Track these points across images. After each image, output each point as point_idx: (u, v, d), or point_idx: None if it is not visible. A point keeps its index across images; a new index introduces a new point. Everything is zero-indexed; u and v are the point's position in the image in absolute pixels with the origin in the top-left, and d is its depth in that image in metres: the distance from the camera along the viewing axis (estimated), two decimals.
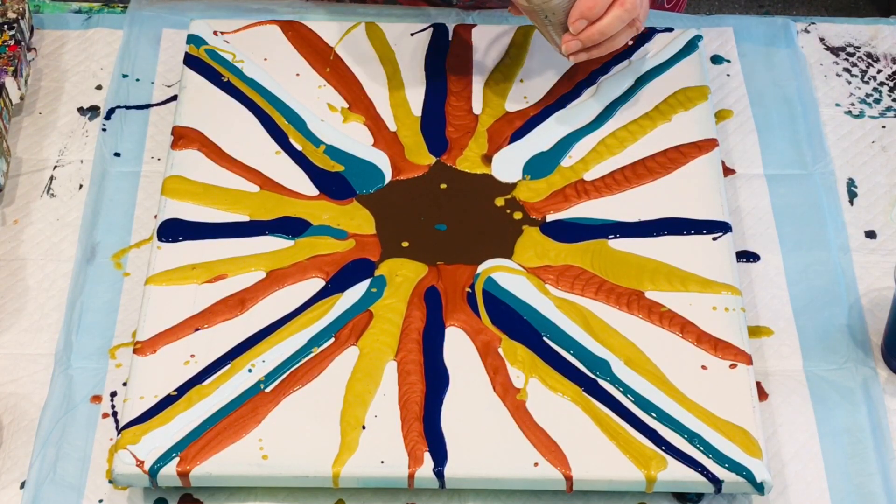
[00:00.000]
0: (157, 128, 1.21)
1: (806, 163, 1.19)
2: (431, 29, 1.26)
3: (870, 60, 1.27)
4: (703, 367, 1.03)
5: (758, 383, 1.04)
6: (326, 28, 1.26)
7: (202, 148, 1.16)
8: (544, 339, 1.04)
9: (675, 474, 0.97)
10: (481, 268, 1.09)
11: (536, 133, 1.18)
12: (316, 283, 1.08)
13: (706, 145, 1.16)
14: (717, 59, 1.27)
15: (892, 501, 0.99)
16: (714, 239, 1.10)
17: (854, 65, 1.27)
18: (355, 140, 1.17)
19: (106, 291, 1.10)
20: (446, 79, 1.22)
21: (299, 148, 1.17)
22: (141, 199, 1.16)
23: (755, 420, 0.99)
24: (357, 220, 1.12)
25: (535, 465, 0.97)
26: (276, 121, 1.18)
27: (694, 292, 1.07)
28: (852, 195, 1.18)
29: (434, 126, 1.18)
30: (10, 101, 1.19)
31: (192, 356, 1.03)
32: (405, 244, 1.10)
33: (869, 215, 1.16)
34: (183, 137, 1.16)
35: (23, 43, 1.23)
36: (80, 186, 1.17)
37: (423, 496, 1.00)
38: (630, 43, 1.24)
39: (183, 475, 0.97)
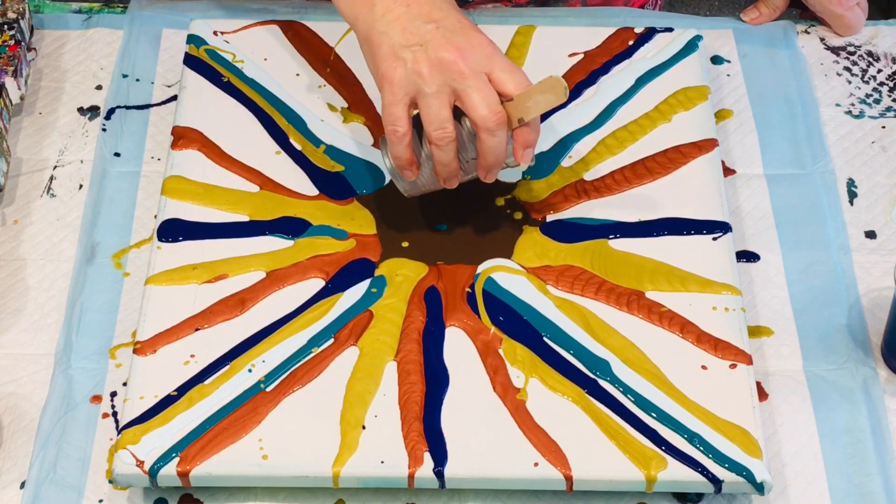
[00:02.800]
0: (157, 128, 1.21)
1: (806, 163, 1.19)
2: None
3: (870, 59, 1.27)
4: (703, 367, 1.03)
5: (758, 383, 1.04)
6: (326, 28, 1.26)
7: (202, 148, 1.16)
8: (544, 339, 1.04)
9: (675, 474, 0.97)
10: (481, 268, 1.09)
11: None
12: (316, 283, 1.08)
13: (706, 145, 1.17)
14: (717, 60, 1.27)
15: (892, 501, 0.99)
16: (714, 239, 1.10)
17: (855, 63, 1.27)
18: (355, 140, 1.17)
19: (106, 291, 1.10)
20: None
21: (299, 148, 1.17)
22: (141, 199, 1.16)
23: (755, 420, 0.99)
24: (357, 220, 1.12)
25: (535, 465, 0.97)
26: (276, 121, 1.18)
27: (694, 292, 1.07)
28: (852, 195, 1.18)
29: None
30: (10, 101, 1.19)
31: (192, 356, 1.03)
32: (405, 244, 1.10)
33: (869, 215, 1.16)
34: (183, 137, 1.16)
35: (23, 43, 1.23)
36: (80, 186, 1.17)
37: (423, 496, 1.00)
38: (630, 43, 1.24)
39: (183, 475, 0.97)
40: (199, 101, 1.19)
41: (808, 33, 1.29)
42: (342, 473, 0.97)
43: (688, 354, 1.03)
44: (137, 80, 1.24)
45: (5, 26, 1.22)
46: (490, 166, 1.04)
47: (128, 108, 1.22)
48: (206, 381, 1.01)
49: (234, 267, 1.08)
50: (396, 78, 1.02)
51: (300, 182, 1.14)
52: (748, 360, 1.03)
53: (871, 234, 1.15)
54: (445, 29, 1.02)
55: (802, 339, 1.08)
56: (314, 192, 1.14)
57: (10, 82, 1.19)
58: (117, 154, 1.19)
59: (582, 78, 1.22)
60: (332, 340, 1.04)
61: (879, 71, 1.26)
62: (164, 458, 0.97)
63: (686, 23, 1.29)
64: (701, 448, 0.98)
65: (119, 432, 0.99)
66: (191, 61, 1.22)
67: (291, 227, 1.11)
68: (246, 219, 1.12)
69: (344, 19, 1.08)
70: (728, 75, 1.26)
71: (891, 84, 1.25)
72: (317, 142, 1.17)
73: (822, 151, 1.20)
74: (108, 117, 1.21)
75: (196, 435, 0.98)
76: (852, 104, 1.24)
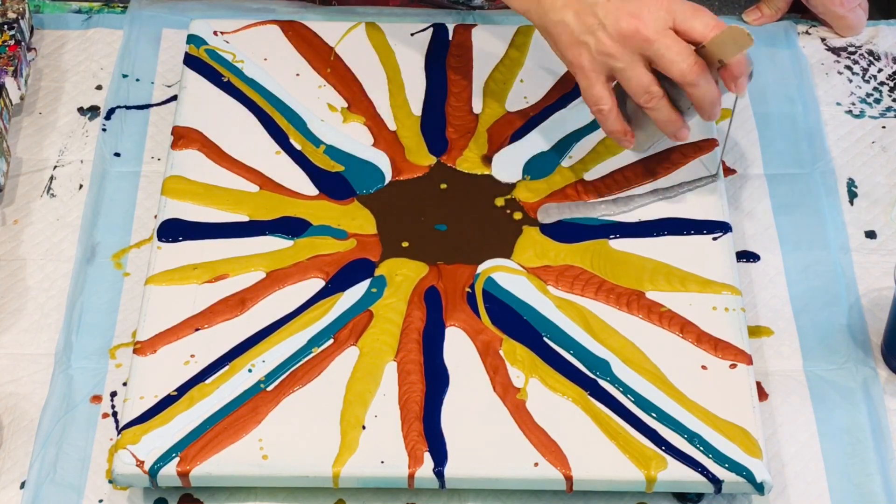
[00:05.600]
0: (157, 128, 1.21)
1: (806, 162, 1.19)
2: (431, 29, 1.26)
3: (871, 58, 1.27)
4: (703, 367, 1.03)
5: (758, 383, 1.04)
6: (326, 28, 1.26)
7: (202, 148, 1.16)
8: (544, 339, 1.04)
9: (675, 474, 0.97)
10: (481, 268, 1.09)
11: (536, 133, 1.18)
12: (316, 283, 1.08)
13: (706, 145, 1.17)
14: None
15: (892, 501, 0.99)
16: (714, 239, 1.10)
17: (855, 62, 1.27)
18: (355, 140, 1.17)
19: (106, 291, 1.10)
20: (446, 79, 1.22)
21: (299, 148, 1.17)
22: (141, 199, 1.16)
23: (755, 420, 0.99)
24: (357, 220, 1.12)
25: (535, 465, 0.97)
26: (276, 121, 1.18)
27: (694, 292, 1.07)
28: (852, 195, 1.18)
29: (434, 126, 1.18)
30: (10, 101, 1.19)
31: (192, 356, 1.03)
32: (405, 244, 1.10)
33: (869, 215, 1.16)
34: (183, 137, 1.16)
35: (23, 43, 1.23)
36: (80, 186, 1.17)
37: (423, 496, 1.00)
38: None
39: (183, 475, 0.97)
40: (199, 101, 1.19)
41: (809, 34, 1.29)
42: (342, 473, 0.97)
43: (688, 354, 1.03)
44: (137, 80, 1.24)
45: (5, 26, 1.22)
46: (708, 110, 1.04)
47: (128, 108, 1.22)
48: (207, 381, 1.01)
49: (234, 267, 1.08)
50: (586, 63, 1.03)
51: (300, 182, 1.14)
52: (748, 360, 1.03)
53: (871, 234, 1.15)
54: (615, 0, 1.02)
55: (802, 339, 1.08)
56: (314, 192, 1.14)
57: (10, 82, 1.19)
58: (117, 154, 1.19)
59: None
60: (331, 341, 1.04)
61: (880, 70, 1.26)
62: (164, 458, 0.97)
63: None
64: (701, 448, 0.98)
65: (119, 432, 0.99)
66: (191, 61, 1.22)
67: (291, 227, 1.11)
68: (246, 219, 1.12)
69: (517, 12, 1.09)
70: None
71: (891, 84, 1.25)
72: (317, 142, 1.17)
73: (823, 151, 1.20)
74: (108, 117, 1.21)
75: (196, 435, 0.98)
76: (853, 103, 1.24)
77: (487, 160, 1.16)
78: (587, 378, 1.02)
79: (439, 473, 0.97)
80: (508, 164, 1.16)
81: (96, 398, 1.04)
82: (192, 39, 1.23)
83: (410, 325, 1.05)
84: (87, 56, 1.27)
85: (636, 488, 0.98)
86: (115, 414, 1.03)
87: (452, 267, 1.09)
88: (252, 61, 1.22)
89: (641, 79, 1.02)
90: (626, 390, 1.01)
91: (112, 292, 1.10)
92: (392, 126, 1.19)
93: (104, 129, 1.21)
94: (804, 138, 1.21)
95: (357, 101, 1.20)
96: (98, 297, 1.10)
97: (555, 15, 1.04)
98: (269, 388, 1.01)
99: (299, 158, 1.16)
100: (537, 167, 1.15)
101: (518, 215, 1.12)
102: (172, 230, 1.10)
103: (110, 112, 1.22)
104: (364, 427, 0.99)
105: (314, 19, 1.27)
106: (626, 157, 1.16)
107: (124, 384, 1.03)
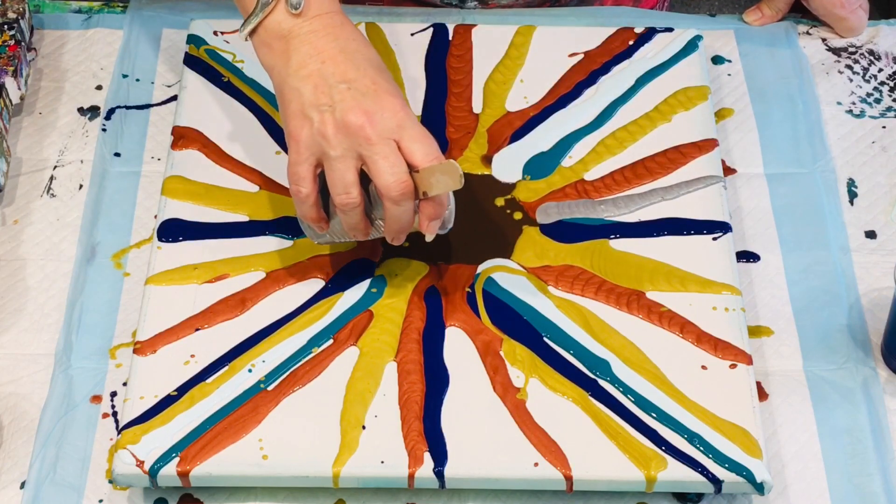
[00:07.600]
0: (157, 128, 1.21)
1: (806, 161, 1.19)
2: (431, 29, 1.26)
3: (871, 58, 1.27)
4: (703, 367, 1.03)
5: (758, 383, 1.04)
6: None
7: (202, 148, 1.16)
8: (544, 339, 1.04)
9: (675, 474, 0.97)
10: (481, 268, 1.09)
11: (536, 133, 1.18)
12: (316, 283, 1.08)
13: (706, 145, 1.17)
14: (718, 60, 1.27)
15: (892, 501, 0.99)
16: (714, 239, 1.10)
17: (856, 62, 1.27)
18: None
19: (106, 291, 1.10)
20: (446, 79, 1.22)
21: None
22: (141, 199, 1.16)
23: (755, 420, 0.99)
24: None
25: (535, 465, 0.97)
26: (277, 121, 1.18)
27: (694, 292, 1.07)
28: (852, 195, 1.18)
29: (434, 126, 1.18)
30: (10, 101, 1.19)
31: (192, 356, 1.03)
32: (405, 244, 1.10)
33: (869, 215, 1.16)
34: (183, 137, 1.16)
35: (23, 43, 1.23)
36: (80, 186, 1.17)
37: (423, 496, 1.00)
38: (630, 43, 1.24)
39: (183, 475, 0.97)
40: (199, 101, 1.19)
41: (810, 34, 1.29)
42: (342, 473, 0.97)
43: (688, 354, 1.03)
44: (137, 80, 1.24)
45: (5, 26, 1.22)
46: (395, 233, 1.01)
47: (128, 108, 1.22)
48: (207, 381, 1.01)
49: (234, 267, 1.08)
50: (303, 138, 0.99)
51: None
52: (748, 360, 1.03)
53: (871, 234, 1.15)
54: (357, 91, 0.98)
55: (802, 339, 1.08)
56: None
57: (10, 82, 1.19)
58: (117, 154, 1.19)
59: (582, 78, 1.22)
60: (331, 341, 1.04)
61: (880, 70, 1.26)
62: (164, 458, 0.97)
63: (687, 23, 1.29)
64: (701, 448, 0.98)
65: (119, 432, 0.99)
66: (191, 61, 1.22)
67: (291, 227, 1.11)
68: (246, 219, 1.12)
69: (262, 66, 1.05)
70: (729, 74, 1.26)
71: (891, 84, 1.25)
72: None
73: (823, 150, 1.20)
74: (108, 117, 1.21)
75: (196, 435, 0.98)
76: (853, 103, 1.24)
77: (487, 160, 1.16)
78: (587, 378, 1.02)
79: (439, 473, 0.97)
80: (508, 164, 1.16)
81: (96, 398, 1.04)
82: (192, 39, 1.23)
83: (410, 325, 1.05)
84: (87, 56, 1.27)
85: (636, 488, 0.98)
86: (115, 414, 1.03)
87: (452, 267, 1.09)
88: (252, 61, 1.22)
89: (346, 175, 0.98)
90: (626, 390, 1.01)
91: (112, 292, 1.10)
92: None
93: (104, 129, 1.21)
94: (804, 138, 1.21)
95: None
96: (98, 297, 1.10)
97: (295, 81, 1.00)
98: (270, 388, 1.01)
99: None
100: (537, 167, 1.15)
101: (518, 215, 1.12)
102: (172, 230, 1.10)
103: (110, 112, 1.22)
104: (364, 427, 0.99)
105: None
106: (625, 157, 1.16)
107: (124, 384, 1.03)
